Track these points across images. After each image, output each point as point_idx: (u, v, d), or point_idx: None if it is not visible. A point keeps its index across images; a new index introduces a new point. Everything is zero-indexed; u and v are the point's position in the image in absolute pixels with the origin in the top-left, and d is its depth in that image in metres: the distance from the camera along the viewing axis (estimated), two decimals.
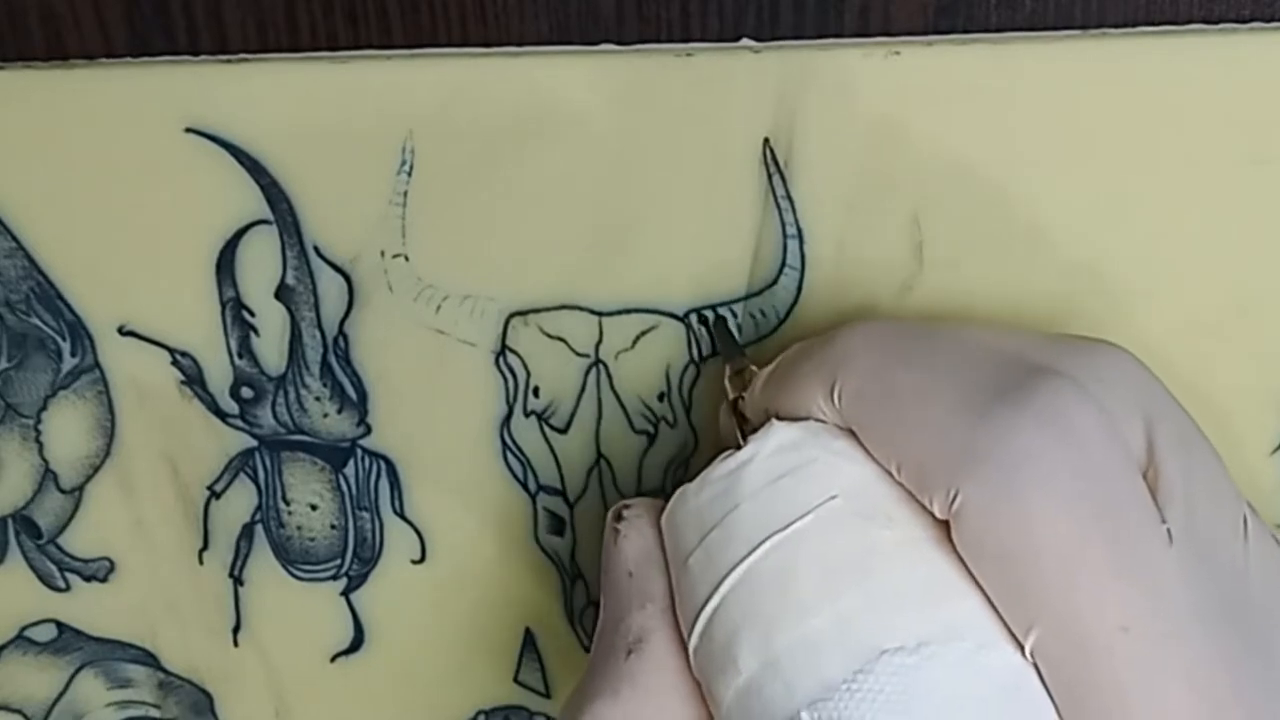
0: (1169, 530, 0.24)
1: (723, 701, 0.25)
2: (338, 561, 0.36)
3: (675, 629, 0.27)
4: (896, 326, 0.27)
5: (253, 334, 0.34)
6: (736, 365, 0.31)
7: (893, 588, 0.24)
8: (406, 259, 0.32)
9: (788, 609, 0.24)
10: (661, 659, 0.27)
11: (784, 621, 0.24)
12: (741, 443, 0.27)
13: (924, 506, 0.25)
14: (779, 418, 0.27)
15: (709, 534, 0.26)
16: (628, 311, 0.33)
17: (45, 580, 0.37)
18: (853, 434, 0.26)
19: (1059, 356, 0.25)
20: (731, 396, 0.30)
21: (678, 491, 0.28)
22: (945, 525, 0.24)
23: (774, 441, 0.26)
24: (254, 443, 0.35)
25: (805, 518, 0.25)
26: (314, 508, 0.36)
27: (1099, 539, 0.23)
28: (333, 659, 0.37)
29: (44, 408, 0.35)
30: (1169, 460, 0.25)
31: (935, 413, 0.25)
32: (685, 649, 0.27)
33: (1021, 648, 0.23)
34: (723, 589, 0.25)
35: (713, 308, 0.32)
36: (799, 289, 0.32)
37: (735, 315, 0.32)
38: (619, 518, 0.29)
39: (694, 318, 0.32)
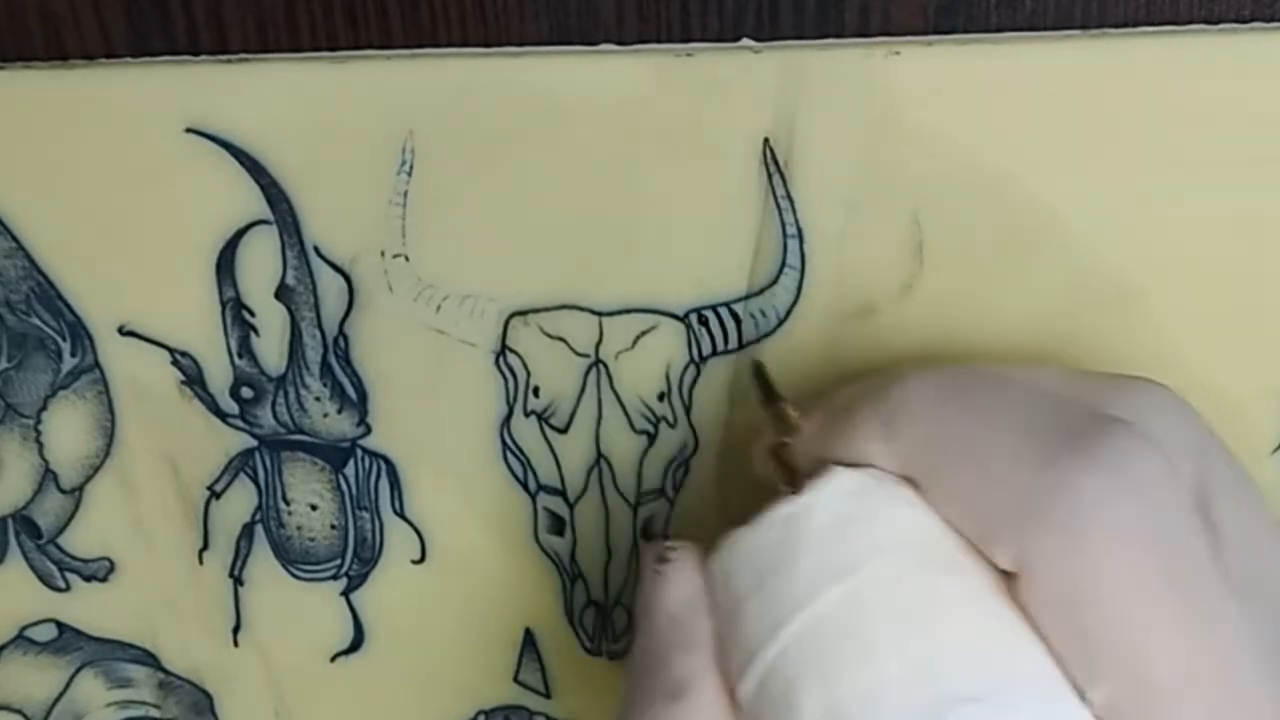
0: (1232, 585, 0.23)
1: None
2: (338, 561, 0.36)
3: (720, 676, 0.26)
4: (952, 373, 0.27)
5: (253, 334, 0.34)
6: (774, 411, 0.30)
7: (960, 637, 0.24)
8: (406, 259, 0.32)
9: (853, 656, 0.24)
10: (704, 707, 0.26)
11: (849, 669, 0.24)
12: (784, 488, 0.26)
13: (986, 558, 0.24)
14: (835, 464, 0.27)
15: (766, 580, 0.25)
16: (628, 311, 0.33)
17: (45, 580, 0.37)
18: (913, 482, 0.26)
19: (1115, 399, 0.25)
20: (771, 444, 0.29)
21: (729, 535, 0.27)
22: (1008, 576, 0.24)
23: (834, 487, 0.26)
24: (254, 443, 0.35)
25: (871, 564, 0.24)
26: (314, 508, 0.36)
27: (1167, 591, 0.23)
28: (333, 659, 0.37)
29: (44, 408, 0.35)
30: (1221, 504, 0.24)
31: (997, 463, 0.24)
32: (730, 697, 0.26)
33: (1086, 702, 0.23)
34: (782, 636, 0.25)
35: (719, 306, 0.32)
36: (799, 289, 0.32)
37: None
38: (662, 560, 0.28)
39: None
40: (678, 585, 0.28)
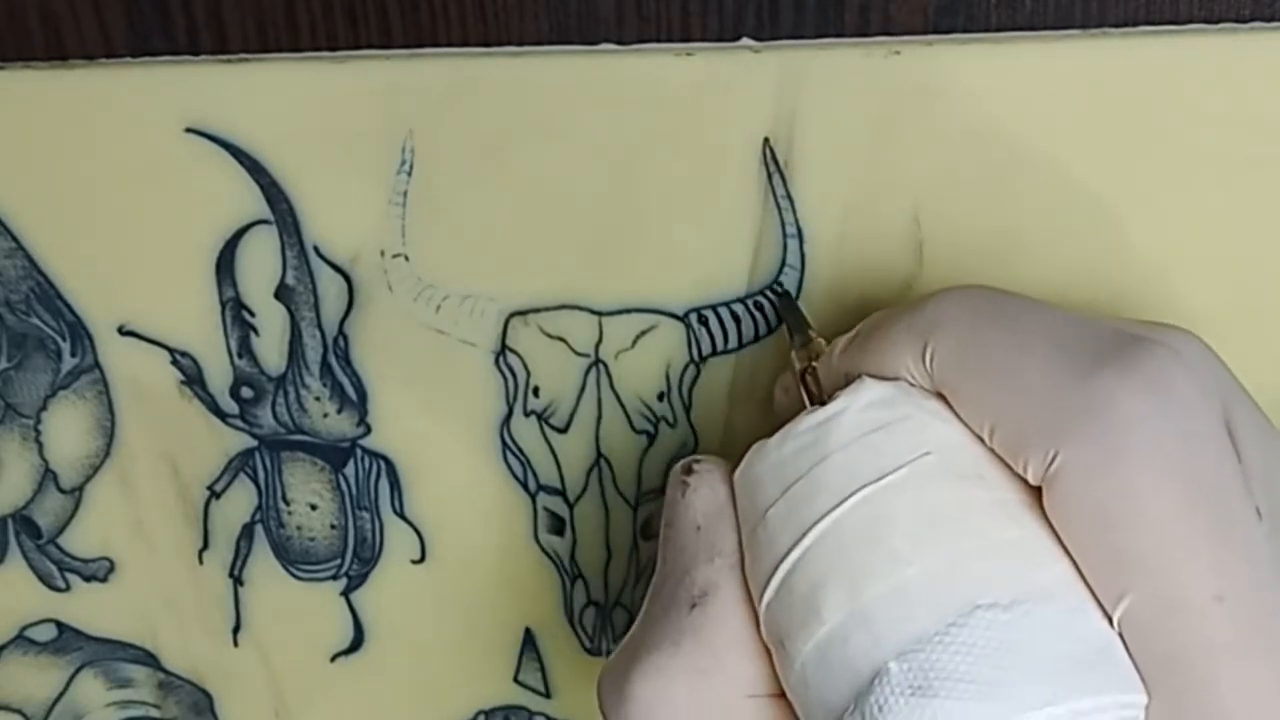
0: (1257, 507, 0.24)
1: (799, 654, 0.25)
2: (338, 561, 0.36)
3: (742, 585, 0.27)
4: (990, 292, 0.27)
5: (253, 334, 0.34)
6: (802, 339, 0.30)
7: (986, 545, 0.24)
8: (406, 259, 0.32)
9: (878, 560, 0.24)
10: (727, 613, 0.27)
11: (874, 573, 0.24)
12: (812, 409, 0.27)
13: (1014, 471, 0.25)
14: None
15: (792, 486, 0.26)
16: (628, 311, 0.33)
17: (45, 580, 0.37)
18: (943, 397, 0.26)
19: (1151, 333, 0.25)
20: (799, 368, 0.30)
21: (755, 445, 0.27)
22: (1035, 491, 0.24)
23: (865, 397, 0.26)
24: (254, 443, 0.35)
25: (898, 471, 0.25)
26: (314, 508, 0.36)
27: (1200, 507, 0.23)
28: (333, 659, 0.37)
29: (44, 408, 0.35)
30: (1247, 440, 0.25)
31: (1033, 375, 0.24)
32: (752, 605, 0.26)
33: (1109, 617, 0.23)
34: (806, 540, 0.25)
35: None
36: (799, 288, 0.32)
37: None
38: (688, 471, 0.29)
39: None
40: (703, 496, 0.28)
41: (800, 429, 0.26)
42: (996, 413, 0.25)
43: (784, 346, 0.32)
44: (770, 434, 0.27)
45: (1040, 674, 0.23)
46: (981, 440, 0.25)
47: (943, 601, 0.23)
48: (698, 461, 0.29)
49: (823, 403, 0.27)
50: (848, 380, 0.27)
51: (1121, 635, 0.23)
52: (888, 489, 0.25)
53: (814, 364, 0.29)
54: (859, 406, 0.26)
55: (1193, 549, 0.23)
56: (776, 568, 0.25)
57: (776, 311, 0.32)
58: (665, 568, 0.28)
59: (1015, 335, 0.25)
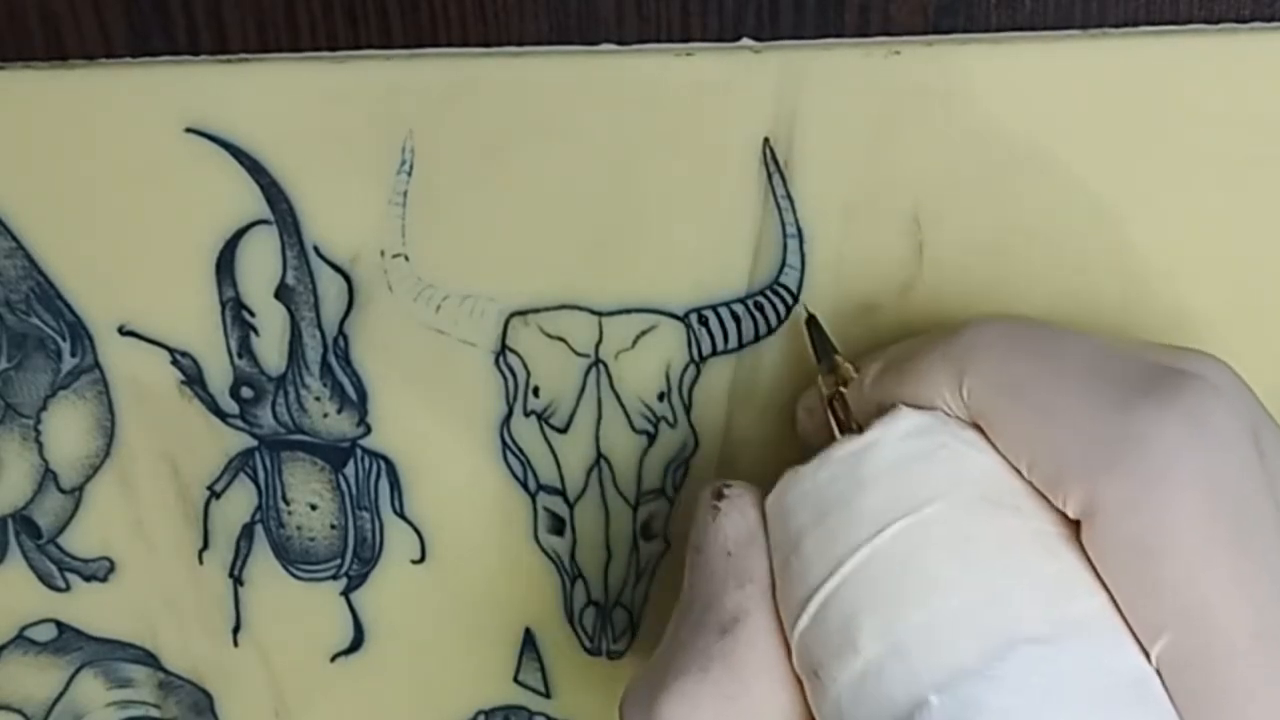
0: None
1: (833, 684, 0.25)
2: (338, 561, 0.36)
3: (773, 612, 0.26)
4: (1025, 323, 0.27)
5: (253, 334, 0.34)
6: (829, 364, 0.30)
7: (1025, 578, 0.24)
8: (406, 259, 0.32)
9: (916, 592, 0.24)
10: (757, 640, 0.26)
11: (911, 604, 0.24)
12: (841, 437, 0.26)
13: (1050, 504, 0.25)
14: None
15: (828, 515, 0.25)
16: (628, 311, 0.33)
17: (45, 580, 0.37)
18: (979, 427, 0.26)
19: (1178, 358, 0.25)
20: (826, 394, 0.29)
21: (789, 472, 0.27)
22: (1073, 524, 0.24)
23: (902, 426, 0.26)
24: (254, 443, 0.35)
25: (936, 502, 0.25)
26: (314, 508, 0.36)
27: (1237, 545, 0.23)
28: (333, 659, 0.37)
29: (44, 408, 0.35)
30: (1275, 464, 0.24)
31: (1071, 409, 0.24)
32: (782, 633, 0.26)
33: (1146, 652, 0.23)
34: (843, 570, 0.25)
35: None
36: (799, 288, 0.32)
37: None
38: (719, 495, 0.28)
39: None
40: (734, 522, 0.28)
41: (835, 457, 0.26)
42: (1034, 447, 0.25)
43: (784, 346, 0.32)
44: (785, 448, 0.27)
45: (1079, 710, 0.23)
46: (1018, 471, 0.25)
47: (981, 634, 0.23)
48: (728, 486, 0.28)
49: (853, 429, 0.27)
50: (879, 409, 0.27)
51: (1159, 671, 0.23)
52: (925, 520, 0.24)
53: (841, 389, 0.29)
54: (896, 436, 0.26)
55: (1232, 587, 0.23)
56: (811, 597, 0.25)
57: (782, 300, 0.32)
58: (693, 592, 0.28)
59: (1052, 367, 0.25)
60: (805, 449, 0.27)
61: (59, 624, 0.38)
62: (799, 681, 0.26)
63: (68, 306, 0.34)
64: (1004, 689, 0.23)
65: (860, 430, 0.26)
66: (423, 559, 0.36)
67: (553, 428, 0.34)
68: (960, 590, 0.24)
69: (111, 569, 0.37)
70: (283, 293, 0.33)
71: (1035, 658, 0.23)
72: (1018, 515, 0.25)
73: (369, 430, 0.34)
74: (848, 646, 0.24)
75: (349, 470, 0.35)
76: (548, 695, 0.37)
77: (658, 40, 0.30)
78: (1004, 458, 0.25)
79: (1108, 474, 0.23)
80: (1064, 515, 0.25)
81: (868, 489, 0.25)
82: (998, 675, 0.23)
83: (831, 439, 0.27)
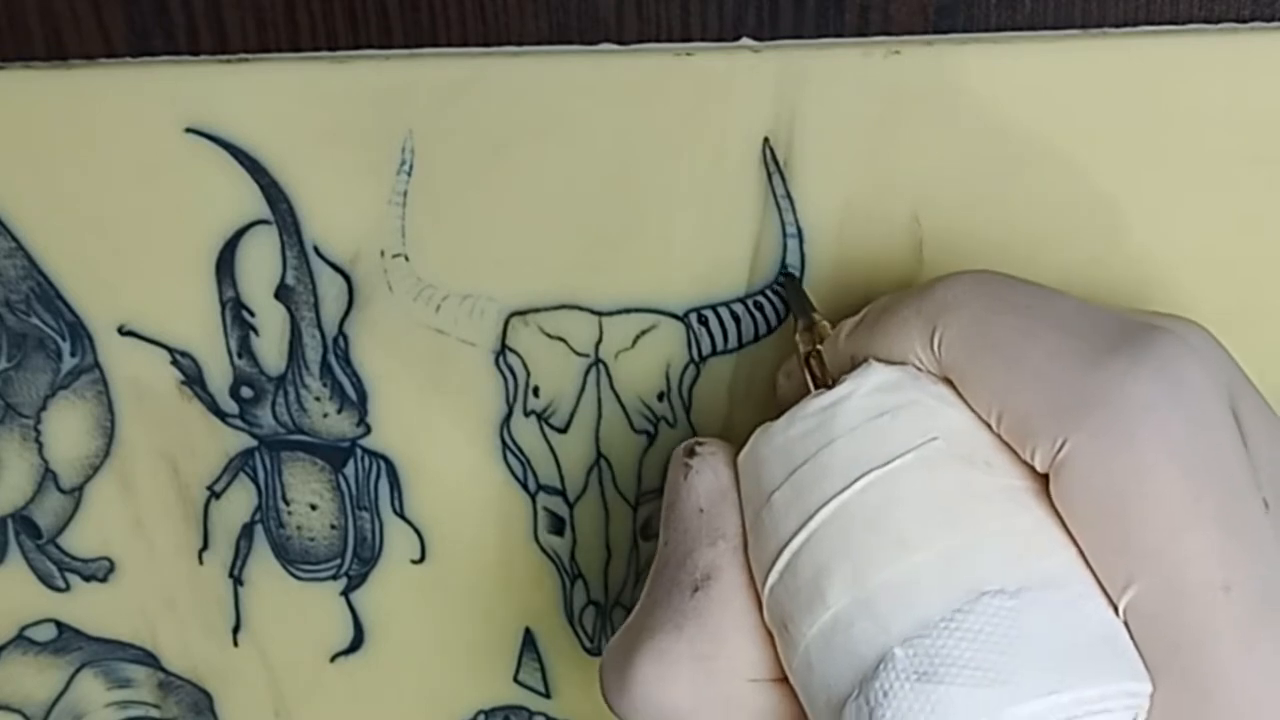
0: (1264, 497, 0.24)
1: (801, 639, 0.25)
2: (338, 561, 0.36)
3: (745, 568, 0.27)
4: (1000, 277, 0.27)
5: (252, 334, 0.34)
6: (806, 322, 0.30)
7: (993, 531, 0.24)
8: (406, 259, 0.32)
9: (884, 545, 0.24)
10: (730, 596, 0.27)
11: (880, 558, 0.24)
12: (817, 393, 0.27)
13: (1021, 458, 0.25)
14: None
15: (798, 469, 0.26)
16: (628, 311, 0.33)
17: (45, 580, 0.37)
18: (950, 382, 0.26)
19: (1158, 321, 0.25)
20: (803, 351, 0.30)
21: (759, 428, 0.27)
22: (1042, 478, 0.24)
23: (872, 381, 0.26)
24: (254, 443, 0.35)
25: (905, 456, 0.25)
26: (314, 508, 0.36)
27: (1209, 496, 0.23)
28: (333, 659, 0.37)
29: (44, 408, 0.35)
30: (1253, 430, 0.24)
31: (1042, 362, 0.24)
32: (755, 588, 0.26)
33: (1114, 605, 0.23)
34: (812, 524, 0.25)
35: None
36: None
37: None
38: (691, 453, 0.28)
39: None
40: (706, 479, 0.28)
41: (806, 412, 0.26)
42: (1004, 399, 0.25)
43: (785, 346, 0.32)
44: (774, 419, 0.27)
45: (1045, 661, 0.23)
46: (989, 426, 0.25)
47: (949, 588, 0.23)
48: (700, 444, 0.29)
49: (828, 386, 0.27)
50: (854, 364, 0.27)
51: (1127, 623, 0.23)
52: (894, 474, 0.25)
53: (818, 347, 0.29)
54: (866, 390, 0.26)
55: (1200, 538, 0.23)
56: (781, 551, 0.25)
57: (781, 295, 0.32)
58: (667, 550, 0.28)
59: (1024, 321, 0.25)
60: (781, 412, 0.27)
61: (59, 624, 0.38)
62: (771, 637, 0.26)
63: (68, 306, 0.34)
64: (968, 640, 0.23)
65: (833, 386, 0.26)
66: (423, 559, 0.36)
67: (553, 428, 0.34)
68: (928, 544, 0.24)
69: (111, 569, 0.37)
70: (283, 293, 0.33)
71: (1001, 609, 0.23)
72: (987, 470, 0.25)
73: (369, 430, 0.34)
74: (817, 599, 0.24)
75: (349, 470, 0.35)
76: (548, 695, 0.37)
77: (658, 40, 0.30)
78: (975, 412, 0.25)
79: (1076, 427, 0.23)
80: (1034, 471, 0.25)
81: (836, 443, 0.25)
82: (962, 627, 0.23)
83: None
